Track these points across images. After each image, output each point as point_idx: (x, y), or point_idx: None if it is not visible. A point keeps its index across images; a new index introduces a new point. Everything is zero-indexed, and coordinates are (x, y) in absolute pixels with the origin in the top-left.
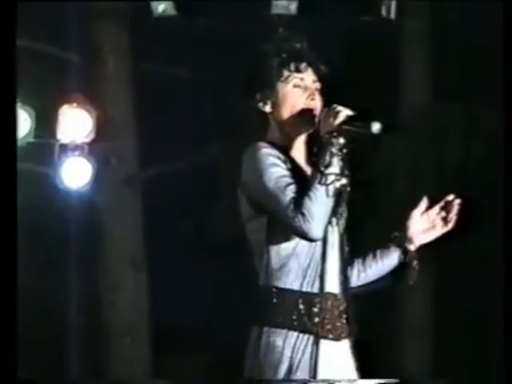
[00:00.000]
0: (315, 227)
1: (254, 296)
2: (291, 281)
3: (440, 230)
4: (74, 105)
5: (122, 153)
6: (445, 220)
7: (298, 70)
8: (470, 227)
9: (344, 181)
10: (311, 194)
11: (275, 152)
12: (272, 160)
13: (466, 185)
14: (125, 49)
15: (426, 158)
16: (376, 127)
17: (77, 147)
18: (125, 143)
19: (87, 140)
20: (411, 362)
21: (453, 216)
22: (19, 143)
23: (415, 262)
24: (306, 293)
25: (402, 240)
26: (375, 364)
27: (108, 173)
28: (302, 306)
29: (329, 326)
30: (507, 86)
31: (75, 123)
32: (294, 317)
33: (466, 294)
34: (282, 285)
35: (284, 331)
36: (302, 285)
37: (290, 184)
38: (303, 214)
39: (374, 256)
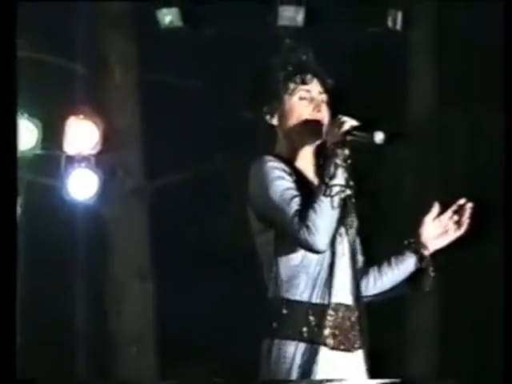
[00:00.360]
0: (320, 239)
1: (263, 308)
2: (300, 292)
3: (453, 234)
4: (81, 116)
5: (128, 164)
6: (457, 224)
7: (303, 82)
8: (479, 233)
9: (348, 192)
10: (316, 205)
11: (281, 165)
12: (277, 173)
13: (474, 190)
14: (131, 60)
15: (434, 164)
16: (379, 137)
17: (83, 159)
18: (131, 154)
19: (94, 152)
20: (418, 365)
21: (465, 220)
22: (26, 154)
23: (431, 268)
24: (316, 304)
25: (416, 246)
26: (382, 369)
27: (114, 184)
28: (312, 318)
29: (340, 337)
30: (507, 88)
31: (82, 135)
32: (305, 328)
33: (474, 300)
34: (291, 296)
35: (294, 343)
36: (311, 296)
37: (295, 196)
38: (308, 227)
39: (389, 263)
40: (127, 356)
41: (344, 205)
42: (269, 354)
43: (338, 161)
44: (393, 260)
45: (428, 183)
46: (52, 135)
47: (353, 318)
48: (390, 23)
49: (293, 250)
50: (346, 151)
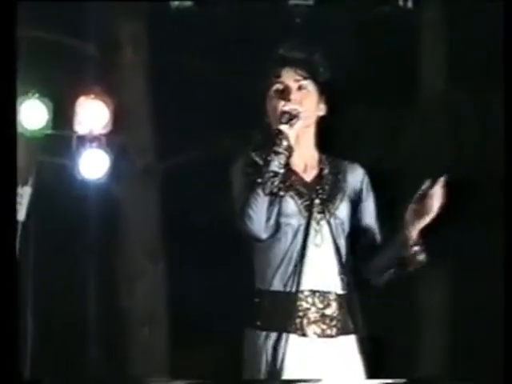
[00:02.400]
0: (256, 228)
1: (244, 297)
2: (269, 282)
3: (432, 212)
4: (92, 96)
5: (138, 144)
6: (435, 202)
7: (277, 76)
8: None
9: (277, 181)
10: (251, 196)
11: (252, 160)
12: (242, 171)
13: (482, 170)
14: (142, 40)
15: (442, 143)
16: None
17: (94, 138)
18: (142, 134)
19: (104, 131)
20: (426, 362)
21: (440, 196)
22: (37, 134)
23: (417, 248)
24: (285, 292)
25: (401, 231)
26: (385, 361)
27: (125, 164)
28: (283, 306)
29: (314, 325)
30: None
31: (93, 115)
32: (276, 317)
33: (485, 296)
34: (263, 286)
35: (264, 333)
36: (281, 285)
37: (247, 191)
38: (245, 218)
39: (375, 248)
40: (140, 335)
41: (276, 192)
42: (245, 343)
43: (274, 148)
44: (379, 245)
45: (437, 162)
46: (63, 115)
47: (333, 304)
48: (401, 1)
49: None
50: (284, 141)
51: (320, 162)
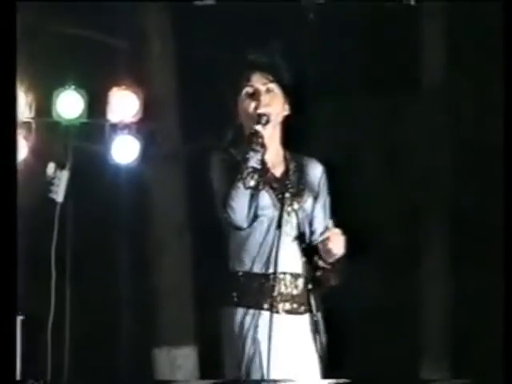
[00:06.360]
0: (237, 218)
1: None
2: (245, 264)
3: (333, 255)
4: (123, 87)
5: (166, 130)
6: (335, 247)
7: (247, 80)
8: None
9: (256, 176)
10: (233, 189)
11: (226, 157)
12: (219, 166)
13: (482, 162)
14: (168, 34)
15: (442, 133)
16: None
17: (125, 126)
18: (169, 121)
19: (135, 119)
20: (431, 366)
21: (339, 242)
22: (73, 123)
23: (328, 274)
24: (260, 274)
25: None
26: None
27: (154, 149)
28: (256, 286)
29: (286, 303)
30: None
31: (124, 104)
32: (249, 296)
33: (487, 300)
34: (238, 268)
35: (241, 309)
36: (255, 266)
37: (227, 184)
38: (227, 209)
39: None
40: (167, 308)
41: (257, 185)
42: (223, 319)
43: (251, 146)
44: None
45: (439, 154)
46: (97, 105)
47: (300, 285)
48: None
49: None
50: (260, 140)
51: (285, 158)
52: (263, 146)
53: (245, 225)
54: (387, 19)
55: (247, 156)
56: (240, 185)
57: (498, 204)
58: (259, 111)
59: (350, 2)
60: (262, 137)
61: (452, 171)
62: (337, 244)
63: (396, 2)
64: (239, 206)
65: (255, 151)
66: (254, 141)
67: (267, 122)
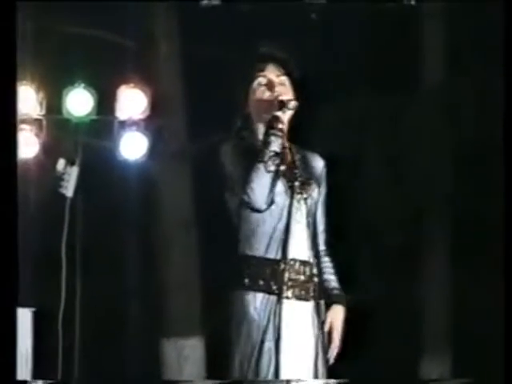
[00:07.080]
0: (257, 200)
1: (233, 263)
2: (256, 249)
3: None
4: (131, 85)
5: (173, 127)
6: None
7: (260, 70)
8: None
9: (277, 160)
10: (253, 172)
11: (240, 142)
12: (234, 151)
13: (482, 161)
14: (175, 34)
15: (442, 133)
16: (292, 105)
17: (134, 123)
18: (176, 119)
19: (143, 116)
20: (433, 365)
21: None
22: (83, 120)
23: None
24: (270, 259)
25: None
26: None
27: (161, 145)
28: (267, 271)
29: (296, 288)
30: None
31: (132, 101)
32: (261, 281)
33: (489, 298)
34: (249, 252)
35: (252, 293)
36: (266, 252)
37: (243, 169)
38: (248, 190)
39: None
40: (174, 301)
41: (276, 170)
42: (233, 303)
43: (273, 131)
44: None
45: (438, 153)
46: (106, 102)
47: (308, 272)
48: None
49: (250, 213)
50: (280, 125)
51: (290, 150)
52: (282, 131)
53: (264, 206)
54: (387, 19)
55: (268, 140)
56: (261, 166)
57: (498, 204)
58: (281, 98)
59: (350, 2)
60: (282, 122)
61: (452, 171)
62: (336, 338)
63: (396, 2)
64: (259, 187)
65: (276, 136)
66: (274, 126)
67: (293, 107)
